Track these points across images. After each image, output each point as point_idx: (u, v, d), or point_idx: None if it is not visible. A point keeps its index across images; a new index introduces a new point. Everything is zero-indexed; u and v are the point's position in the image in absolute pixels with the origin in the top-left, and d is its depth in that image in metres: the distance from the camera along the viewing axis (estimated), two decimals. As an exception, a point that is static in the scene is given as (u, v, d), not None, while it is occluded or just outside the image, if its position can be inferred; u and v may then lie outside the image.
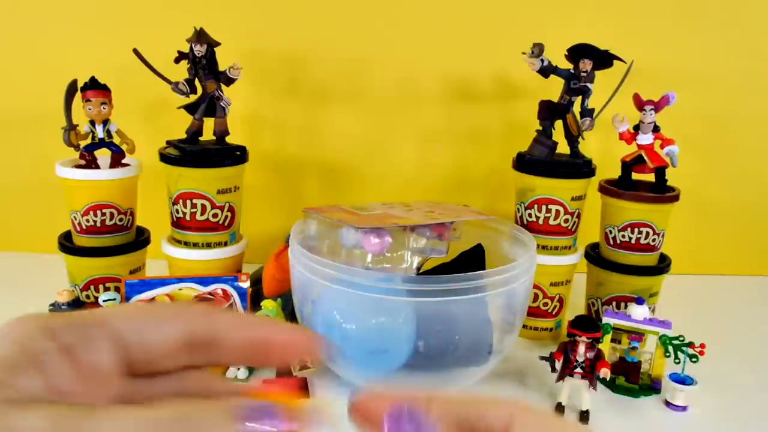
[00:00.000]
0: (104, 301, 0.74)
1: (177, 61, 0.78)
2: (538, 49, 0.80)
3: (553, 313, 0.85)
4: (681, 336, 0.71)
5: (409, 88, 1.02)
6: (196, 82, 0.79)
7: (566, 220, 0.81)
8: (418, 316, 0.64)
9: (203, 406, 0.20)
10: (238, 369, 0.71)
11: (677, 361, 0.70)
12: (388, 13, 1.00)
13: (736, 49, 1.03)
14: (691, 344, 0.70)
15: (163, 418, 0.19)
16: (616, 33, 0.93)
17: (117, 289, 0.79)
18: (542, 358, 0.69)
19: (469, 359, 0.67)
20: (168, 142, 0.83)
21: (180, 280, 0.77)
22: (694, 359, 0.70)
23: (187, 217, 0.80)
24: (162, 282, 0.77)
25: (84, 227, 0.79)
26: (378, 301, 0.62)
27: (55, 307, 0.74)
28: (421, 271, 0.76)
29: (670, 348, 0.71)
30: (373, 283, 0.61)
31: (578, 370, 0.65)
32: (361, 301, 0.63)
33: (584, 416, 0.65)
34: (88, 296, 0.80)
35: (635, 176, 0.83)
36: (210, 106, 0.80)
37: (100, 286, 0.80)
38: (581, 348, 0.65)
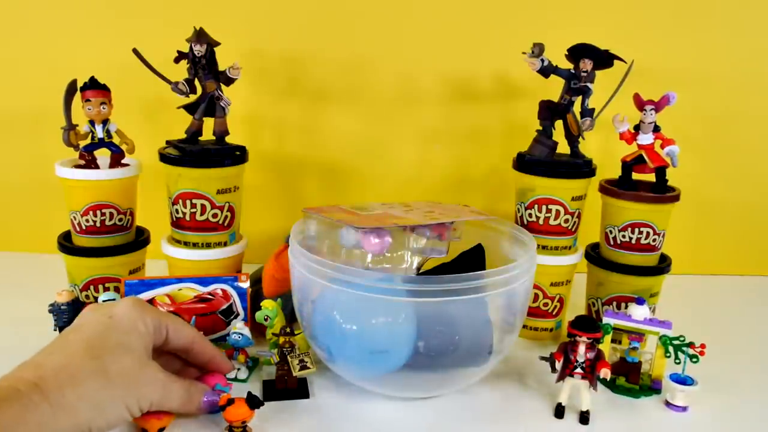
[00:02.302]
0: (104, 301, 0.74)
1: (177, 60, 0.78)
2: (538, 49, 0.80)
3: (554, 313, 0.85)
4: (681, 336, 0.71)
5: (409, 87, 1.02)
6: (196, 82, 0.79)
7: (566, 220, 0.81)
8: (419, 317, 0.63)
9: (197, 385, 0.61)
10: (238, 369, 0.71)
11: (677, 361, 0.70)
12: (387, 13, 1.00)
13: (736, 49, 1.03)
14: (691, 344, 0.70)
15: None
16: (616, 33, 0.93)
17: (117, 289, 0.79)
18: (542, 358, 0.69)
19: (470, 359, 0.67)
20: (168, 142, 0.83)
21: (180, 280, 0.77)
22: (694, 359, 0.70)
23: (187, 217, 0.80)
24: (162, 282, 0.77)
25: (84, 227, 0.79)
26: (378, 301, 0.62)
27: (54, 307, 0.73)
28: (421, 271, 0.76)
29: (671, 348, 0.71)
30: (373, 283, 0.61)
31: (578, 370, 0.65)
32: (361, 301, 0.63)
33: (584, 416, 0.65)
34: (87, 296, 0.80)
35: (635, 176, 0.83)
36: (210, 106, 0.80)
37: (100, 286, 0.79)
38: (581, 348, 0.65)
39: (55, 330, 0.73)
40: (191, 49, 0.77)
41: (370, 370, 0.67)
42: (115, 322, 0.56)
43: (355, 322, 0.65)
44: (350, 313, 0.65)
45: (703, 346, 0.70)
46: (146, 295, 0.76)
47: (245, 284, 0.78)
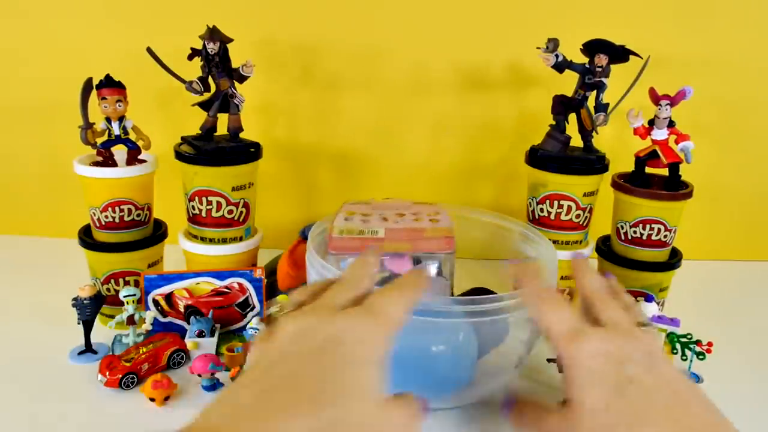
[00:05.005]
0: (124, 296, 0.76)
1: (190, 58, 0.78)
2: (552, 45, 0.79)
3: (563, 305, 0.86)
4: (689, 334, 0.72)
5: (421, 76, 1.01)
6: (209, 79, 0.79)
7: (578, 216, 0.82)
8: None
9: None
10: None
11: (684, 358, 0.71)
12: (399, 1, 0.98)
13: (751, 36, 1.00)
14: (698, 342, 0.71)
15: None
16: (632, 20, 0.91)
17: (136, 283, 0.81)
18: (550, 360, 0.70)
19: (496, 376, 0.68)
20: (183, 138, 0.83)
21: (197, 274, 0.79)
22: (701, 357, 0.71)
23: (203, 214, 0.81)
24: (180, 276, 0.79)
25: (103, 223, 0.80)
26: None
27: (78, 301, 0.76)
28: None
29: (678, 345, 0.72)
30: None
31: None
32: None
33: (591, 413, 0.67)
34: (108, 289, 0.82)
35: (648, 169, 0.83)
36: (224, 103, 0.81)
37: (120, 280, 0.82)
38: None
39: (78, 324, 0.76)
40: (204, 46, 0.77)
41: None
42: None
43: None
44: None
45: (710, 344, 0.71)
46: (164, 290, 0.78)
47: (260, 277, 0.80)
